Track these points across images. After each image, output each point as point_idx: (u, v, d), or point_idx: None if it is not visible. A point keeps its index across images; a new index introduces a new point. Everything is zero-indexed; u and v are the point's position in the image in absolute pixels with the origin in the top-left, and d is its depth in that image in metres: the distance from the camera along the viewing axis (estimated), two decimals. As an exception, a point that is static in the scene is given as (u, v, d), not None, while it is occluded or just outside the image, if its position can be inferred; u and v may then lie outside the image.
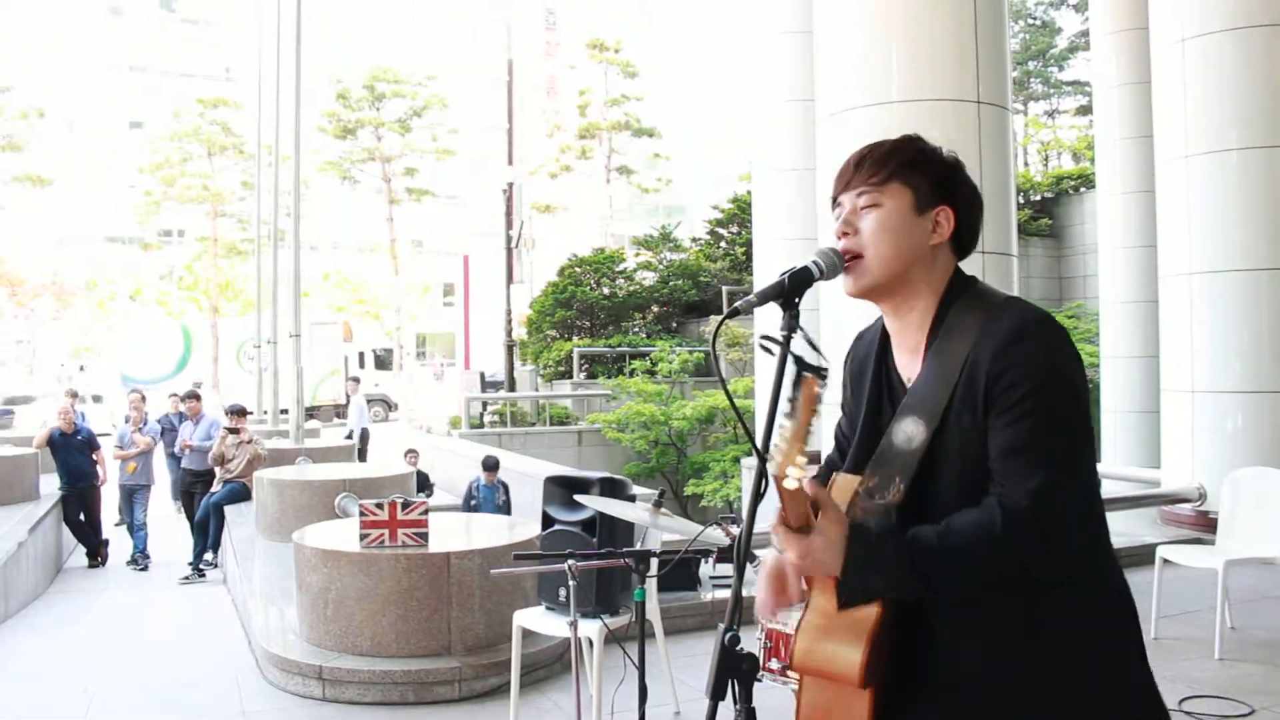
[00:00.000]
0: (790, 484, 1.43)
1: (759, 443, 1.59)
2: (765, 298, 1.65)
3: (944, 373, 1.65)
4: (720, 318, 1.70)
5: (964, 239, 1.77)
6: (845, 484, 1.74)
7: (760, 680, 1.71)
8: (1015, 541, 1.51)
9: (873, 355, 1.84)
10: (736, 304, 1.64)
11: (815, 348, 1.58)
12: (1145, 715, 1.71)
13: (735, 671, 1.65)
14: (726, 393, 1.77)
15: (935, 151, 1.77)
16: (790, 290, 1.63)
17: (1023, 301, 1.69)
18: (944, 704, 1.65)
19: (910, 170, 1.72)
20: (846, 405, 1.93)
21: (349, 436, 16.97)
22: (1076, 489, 1.57)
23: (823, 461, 2.01)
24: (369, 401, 33.56)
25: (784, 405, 1.48)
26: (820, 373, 1.49)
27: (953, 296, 1.72)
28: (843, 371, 1.94)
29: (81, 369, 34.09)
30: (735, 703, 1.69)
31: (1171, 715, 4.46)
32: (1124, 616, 1.70)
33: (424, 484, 12.08)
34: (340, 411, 32.95)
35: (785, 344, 1.55)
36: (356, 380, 19.17)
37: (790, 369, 1.55)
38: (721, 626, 1.66)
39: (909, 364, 1.76)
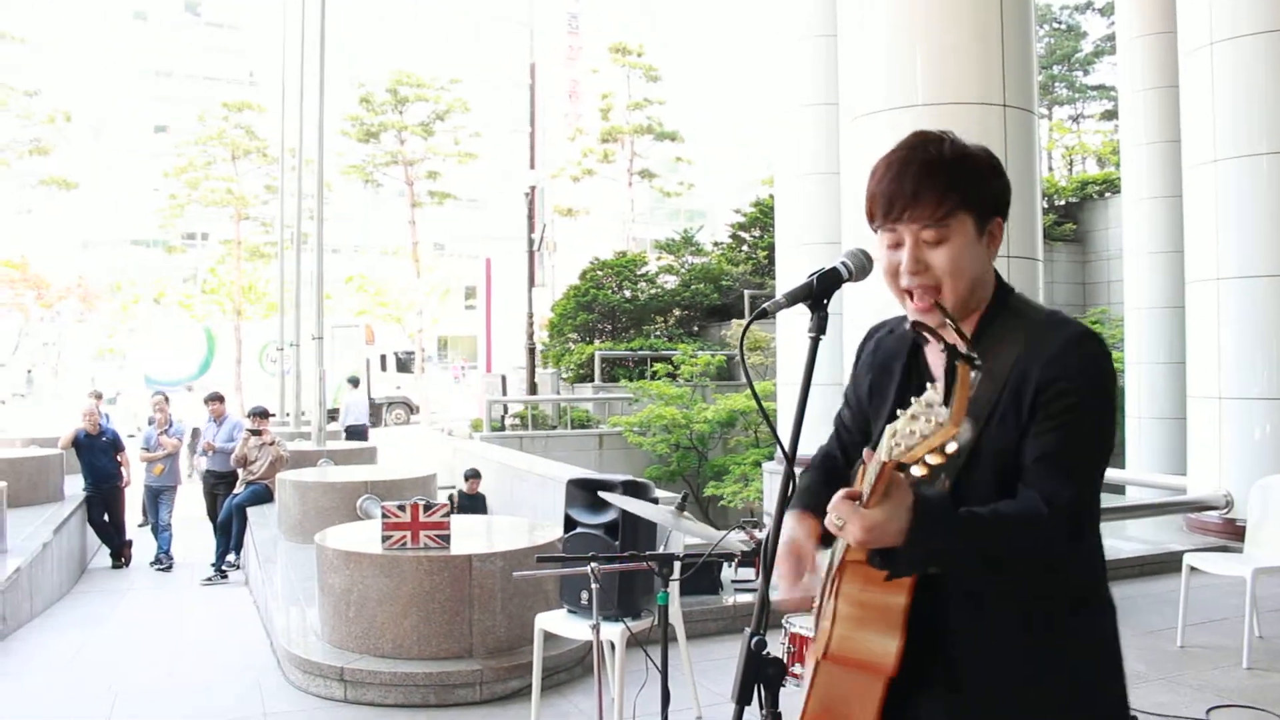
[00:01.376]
0: (918, 470, 1.43)
1: (786, 446, 1.58)
2: (794, 299, 1.64)
3: (989, 378, 1.66)
4: (747, 320, 1.68)
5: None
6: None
7: (785, 685, 1.70)
8: (1054, 532, 1.58)
9: (903, 352, 1.83)
10: (765, 305, 1.62)
11: (962, 335, 1.56)
12: None
13: (761, 676, 1.64)
14: (755, 395, 1.75)
15: (985, 163, 1.73)
16: (819, 292, 1.62)
17: (1066, 315, 1.73)
18: (948, 700, 1.67)
19: (971, 196, 1.69)
20: (856, 397, 1.92)
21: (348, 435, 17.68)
22: (1096, 500, 1.65)
23: (817, 453, 2.01)
24: (390, 404, 33.86)
25: (930, 394, 1.47)
26: (973, 362, 1.49)
27: (997, 304, 1.74)
28: (858, 360, 1.93)
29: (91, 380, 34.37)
30: (761, 708, 1.68)
31: (1198, 725, 4.38)
32: (1114, 629, 1.75)
33: (481, 510, 11.86)
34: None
35: (814, 343, 1.54)
36: (353, 382, 20.00)
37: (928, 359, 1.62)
38: (747, 631, 1.65)
39: (941, 364, 1.74)
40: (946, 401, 1.45)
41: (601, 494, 4.07)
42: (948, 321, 1.60)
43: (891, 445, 1.44)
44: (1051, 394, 1.60)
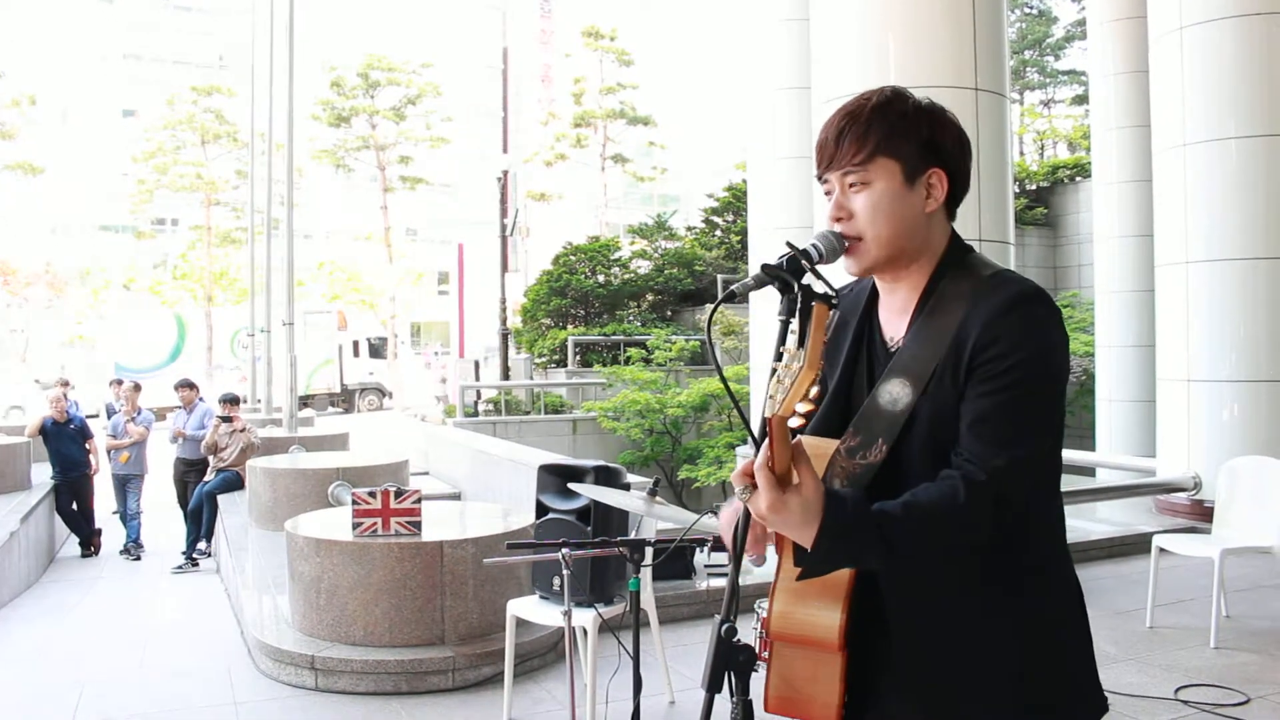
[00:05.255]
0: (796, 421, 1.40)
1: (755, 430, 1.56)
2: (762, 282, 1.61)
3: (934, 338, 1.63)
4: (715, 303, 1.66)
5: (956, 193, 1.72)
6: (815, 447, 1.70)
7: (757, 671, 1.68)
8: (974, 516, 1.52)
9: (858, 312, 1.81)
10: (733, 287, 1.60)
11: (824, 279, 1.54)
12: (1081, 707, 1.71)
13: (731, 663, 1.62)
14: (721, 378, 1.72)
15: (916, 110, 1.69)
16: (788, 274, 1.59)
17: (1016, 274, 1.67)
18: (903, 679, 1.66)
19: (894, 141, 1.65)
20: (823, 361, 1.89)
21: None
22: (1038, 468, 1.58)
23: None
24: (363, 389, 33.83)
25: (789, 340, 1.45)
26: (829, 300, 1.47)
27: (948, 264, 1.70)
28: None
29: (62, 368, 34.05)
30: (732, 695, 1.66)
31: (1167, 704, 4.45)
32: (1078, 608, 1.72)
33: None
34: (334, 400, 33.18)
35: (785, 326, 1.51)
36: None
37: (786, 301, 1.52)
38: (717, 618, 1.63)
39: (894, 324, 1.74)
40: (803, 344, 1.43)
41: (571, 485, 4.05)
42: (804, 262, 1.56)
43: (769, 402, 1.42)
44: (987, 356, 1.56)
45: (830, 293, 1.49)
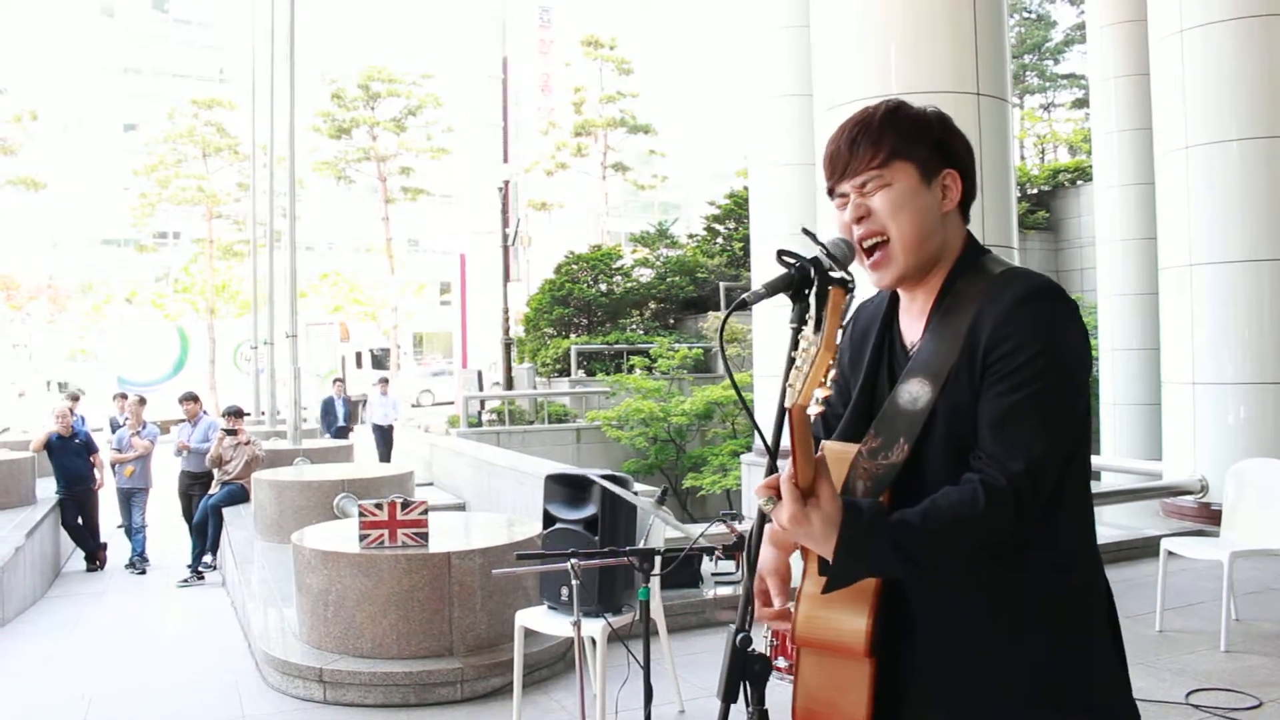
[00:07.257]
0: (815, 408, 1.41)
1: (769, 439, 1.55)
2: (774, 289, 1.60)
3: (949, 336, 1.63)
4: (726, 312, 1.66)
5: (967, 195, 1.74)
6: (838, 452, 1.71)
7: (770, 679, 1.68)
8: (994, 522, 1.52)
9: (879, 319, 1.82)
10: (744, 296, 1.59)
11: (840, 264, 1.54)
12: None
13: (747, 673, 1.61)
14: (734, 384, 1.72)
15: (924, 115, 1.72)
16: (799, 281, 1.59)
17: (1028, 271, 1.68)
18: (930, 688, 1.64)
19: (908, 143, 1.67)
20: (840, 373, 1.89)
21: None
22: (1059, 467, 1.57)
23: None
24: (366, 401, 33.83)
25: (805, 328, 1.45)
26: (845, 285, 1.47)
27: (963, 264, 1.71)
28: (843, 334, 1.90)
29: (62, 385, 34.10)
30: (748, 705, 1.65)
31: (1179, 709, 4.42)
32: (1108, 611, 1.72)
33: None
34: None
35: (795, 334, 1.51)
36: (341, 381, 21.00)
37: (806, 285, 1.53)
38: (732, 627, 1.62)
39: (914, 329, 1.74)
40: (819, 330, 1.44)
41: (590, 475, 4.04)
42: (823, 245, 1.56)
43: (790, 391, 1.42)
44: (1000, 353, 1.55)
45: (846, 277, 1.49)
